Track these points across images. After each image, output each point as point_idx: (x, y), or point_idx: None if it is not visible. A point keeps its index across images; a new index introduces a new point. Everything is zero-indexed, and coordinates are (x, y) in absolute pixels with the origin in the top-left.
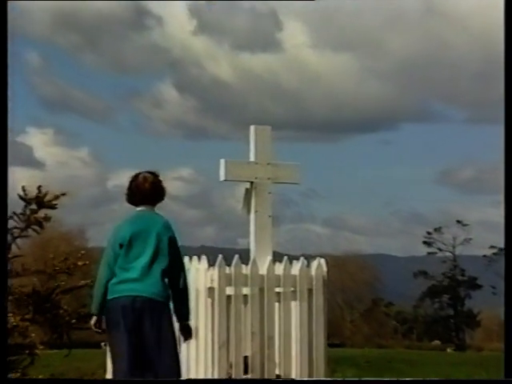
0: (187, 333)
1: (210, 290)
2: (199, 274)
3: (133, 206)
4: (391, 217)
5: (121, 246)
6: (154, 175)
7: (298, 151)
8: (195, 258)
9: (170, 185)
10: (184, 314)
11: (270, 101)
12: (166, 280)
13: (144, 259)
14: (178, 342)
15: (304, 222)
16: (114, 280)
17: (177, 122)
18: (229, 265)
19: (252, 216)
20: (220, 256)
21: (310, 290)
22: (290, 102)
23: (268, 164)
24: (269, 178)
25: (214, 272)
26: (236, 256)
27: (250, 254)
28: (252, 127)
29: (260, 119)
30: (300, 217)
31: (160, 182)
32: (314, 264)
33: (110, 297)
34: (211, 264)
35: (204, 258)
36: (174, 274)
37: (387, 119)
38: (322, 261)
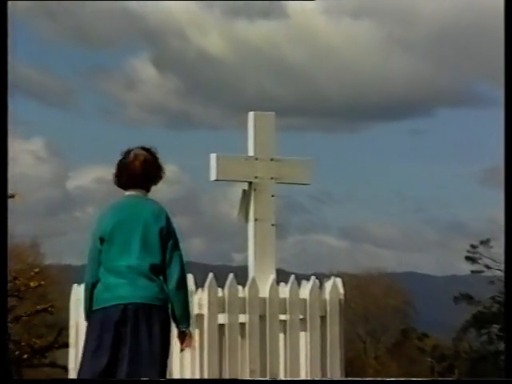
0: (184, 341)
1: (199, 317)
2: None
3: (122, 191)
4: (425, 226)
5: (101, 240)
6: (149, 152)
7: (309, 144)
8: None
9: None
10: (181, 318)
11: (272, 80)
12: (162, 278)
13: (130, 256)
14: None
15: (316, 233)
16: (98, 286)
17: (155, 106)
18: (221, 286)
19: (251, 225)
20: (210, 275)
21: (323, 318)
22: (298, 81)
23: (271, 160)
24: (272, 178)
25: (203, 295)
26: (230, 275)
27: (248, 272)
28: (251, 114)
29: (260, 104)
30: (311, 226)
31: (155, 160)
32: (328, 285)
33: (94, 307)
34: (199, 285)
35: (190, 278)
36: (168, 272)
37: (419, 103)
38: (338, 281)
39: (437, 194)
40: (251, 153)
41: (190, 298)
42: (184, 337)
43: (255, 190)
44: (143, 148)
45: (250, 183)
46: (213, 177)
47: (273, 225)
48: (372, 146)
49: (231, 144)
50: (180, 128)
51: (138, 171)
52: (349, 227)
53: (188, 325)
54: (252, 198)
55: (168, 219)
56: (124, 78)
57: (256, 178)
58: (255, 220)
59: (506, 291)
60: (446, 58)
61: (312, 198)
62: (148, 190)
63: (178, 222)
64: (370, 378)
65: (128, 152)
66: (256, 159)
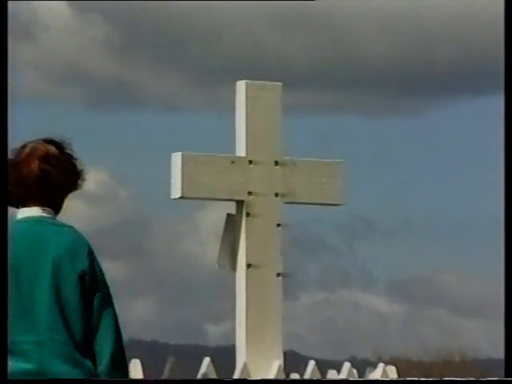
0: None
1: None
2: None
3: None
4: None
5: None
6: (56, 145)
7: (336, 135)
8: None
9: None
10: None
11: (272, 30)
12: (88, 357)
13: (36, 325)
14: None
15: (349, 288)
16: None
17: (72, 71)
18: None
19: (241, 275)
20: (169, 360)
21: None
22: (317, 33)
23: (276, 163)
24: (277, 194)
25: None
26: (205, 360)
27: (236, 354)
28: (240, 84)
29: (257, 68)
30: (341, 276)
31: (67, 159)
32: (374, 375)
33: None
34: (150, 374)
35: (136, 363)
36: (97, 346)
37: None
38: (391, 371)
39: None
40: (241, 151)
41: None
42: None
43: (249, 214)
44: (46, 140)
45: (240, 203)
46: (176, 192)
47: (278, 275)
48: (440, 136)
49: (207, 136)
50: (116, 108)
51: (35, 176)
52: (405, 278)
53: None
54: (243, 227)
55: (91, 256)
56: (19, 22)
57: (250, 194)
58: (248, 267)
59: (505, 291)
60: None
61: (343, 228)
62: (56, 208)
63: (119, 269)
64: (370, 379)
65: (21, 148)
66: (250, 163)
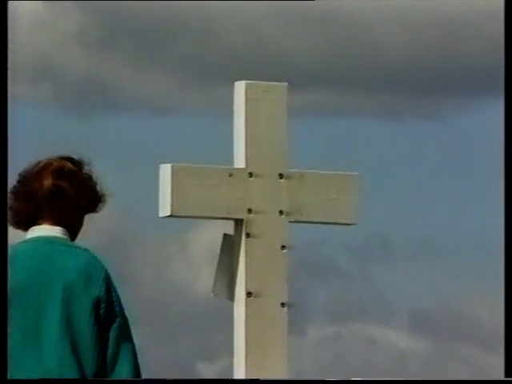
0: None
1: None
2: None
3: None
4: None
5: None
6: (73, 162)
7: (350, 142)
8: None
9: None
10: None
11: (275, 23)
12: (96, 378)
13: (43, 356)
14: None
15: (364, 321)
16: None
17: (47, 68)
18: None
19: (240, 306)
20: None
21: None
22: (321, 26)
23: (280, 176)
24: (281, 212)
25: None
26: None
27: None
28: (240, 84)
29: (257, 66)
30: (353, 305)
31: (86, 176)
32: None
33: None
34: None
35: None
36: (111, 370)
37: None
38: None
39: None
40: (240, 163)
41: None
42: None
43: (249, 235)
44: (63, 157)
45: (239, 222)
46: (164, 210)
47: (283, 304)
48: (468, 143)
49: (201, 144)
50: (94, 111)
51: (46, 190)
52: (428, 309)
53: None
54: (242, 250)
55: (108, 282)
56: None
57: (250, 211)
58: (248, 295)
59: (505, 290)
60: None
61: (356, 250)
62: (71, 228)
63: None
64: (370, 379)
65: (34, 164)
66: (250, 175)
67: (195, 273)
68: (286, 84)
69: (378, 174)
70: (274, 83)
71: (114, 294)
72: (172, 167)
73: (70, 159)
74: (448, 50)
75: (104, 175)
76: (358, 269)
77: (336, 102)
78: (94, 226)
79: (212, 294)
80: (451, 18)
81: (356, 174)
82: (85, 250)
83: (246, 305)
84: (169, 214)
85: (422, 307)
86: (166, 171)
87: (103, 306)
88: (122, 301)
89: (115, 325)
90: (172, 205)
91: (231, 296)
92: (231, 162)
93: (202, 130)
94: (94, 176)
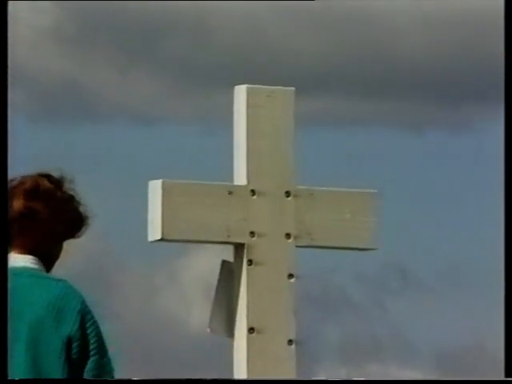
0: None
1: None
2: None
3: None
4: None
5: None
6: (51, 180)
7: (366, 155)
8: None
9: None
10: None
11: (279, 20)
12: None
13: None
14: None
15: (378, 358)
16: None
17: (16, 70)
18: None
19: (241, 343)
20: None
21: None
22: (332, 25)
23: (286, 195)
24: (288, 235)
25: None
26: None
27: None
28: (240, 89)
29: (260, 69)
30: (368, 342)
31: (66, 196)
32: None
33: None
34: None
35: None
36: None
37: None
38: None
39: None
40: (241, 179)
41: None
42: None
43: (251, 261)
44: (42, 174)
45: (240, 247)
46: (154, 233)
47: (290, 342)
48: (498, 157)
49: (196, 158)
50: (70, 120)
51: (16, 214)
52: (454, 348)
53: None
54: (244, 279)
55: (84, 317)
56: None
57: (253, 235)
58: (251, 331)
59: (505, 290)
60: None
61: (371, 280)
62: (47, 257)
63: None
64: (369, 378)
65: (9, 182)
66: (253, 193)
67: (187, 305)
68: (292, 89)
69: (394, 192)
70: (279, 88)
71: (91, 330)
72: (163, 184)
73: (48, 176)
74: (476, 52)
75: (82, 193)
76: (373, 301)
77: (347, 110)
78: (71, 252)
79: (208, 330)
80: (479, 17)
81: (374, 191)
82: (59, 280)
83: (248, 342)
84: (159, 237)
85: (447, 346)
86: (155, 188)
87: (76, 344)
88: (105, 337)
89: (90, 365)
90: (163, 227)
91: (231, 332)
92: (230, 178)
93: (194, 141)
94: (75, 196)
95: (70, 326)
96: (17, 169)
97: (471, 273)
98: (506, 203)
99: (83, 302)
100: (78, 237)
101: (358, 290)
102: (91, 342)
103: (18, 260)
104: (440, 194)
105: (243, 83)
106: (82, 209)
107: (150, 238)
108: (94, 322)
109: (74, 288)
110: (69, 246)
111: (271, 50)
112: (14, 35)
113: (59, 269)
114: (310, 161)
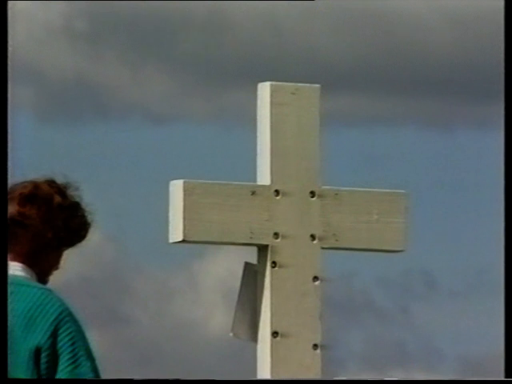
0: None
1: None
2: None
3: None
4: None
5: None
6: (52, 185)
7: (395, 153)
8: None
9: None
10: None
11: (302, 16)
12: None
13: None
14: None
15: (404, 364)
16: None
17: (26, 67)
18: None
19: (265, 347)
20: None
21: None
22: (357, 21)
23: (312, 195)
24: (313, 237)
25: None
26: None
27: None
28: (264, 86)
29: (282, 66)
30: (394, 348)
31: (67, 203)
32: None
33: None
34: None
35: None
36: None
37: None
38: None
39: None
40: (265, 179)
41: None
42: None
43: (275, 264)
44: (45, 180)
45: (264, 249)
46: (176, 234)
47: (316, 346)
48: None
49: (218, 157)
50: (81, 118)
51: (10, 220)
52: (482, 354)
53: None
54: (268, 282)
55: (57, 327)
56: None
57: (277, 236)
58: (275, 336)
59: (505, 290)
60: None
61: (395, 284)
62: (40, 267)
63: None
64: (369, 379)
65: (13, 187)
66: (276, 193)
67: (207, 310)
68: (318, 86)
69: (422, 193)
70: (304, 85)
71: (66, 340)
72: (184, 184)
73: (50, 182)
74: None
75: (95, 195)
76: (398, 306)
77: (373, 108)
78: (84, 256)
79: (231, 335)
80: None
81: (402, 191)
82: (40, 289)
83: (272, 347)
84: (181, 238)
85: (474, 353)
86: (177, 189)
87: (45, 354)
88: (88, 347)
89: (64, 376)
90: (185, 228)
91: (254, 337)
92: (253, 178)
93: (210, 140)
94: (78, 204)
95: (39, 336)
96: (25, 170)
97: (499, 278)
98: (506, 201)
99: (62, 312)
100: (76, 245)
101: (383, 294)
102: (65, 352)
103: (17, 271)
104: (469, 195)
105: (261, 81)
106: (82, 217)
107: (171, 240)
108: (71, 332)
109: (55, 297)
110: (81, 250)
111: (291, 46)
112: (25, 32)
113: (71, 274)
114: (335, 160)
